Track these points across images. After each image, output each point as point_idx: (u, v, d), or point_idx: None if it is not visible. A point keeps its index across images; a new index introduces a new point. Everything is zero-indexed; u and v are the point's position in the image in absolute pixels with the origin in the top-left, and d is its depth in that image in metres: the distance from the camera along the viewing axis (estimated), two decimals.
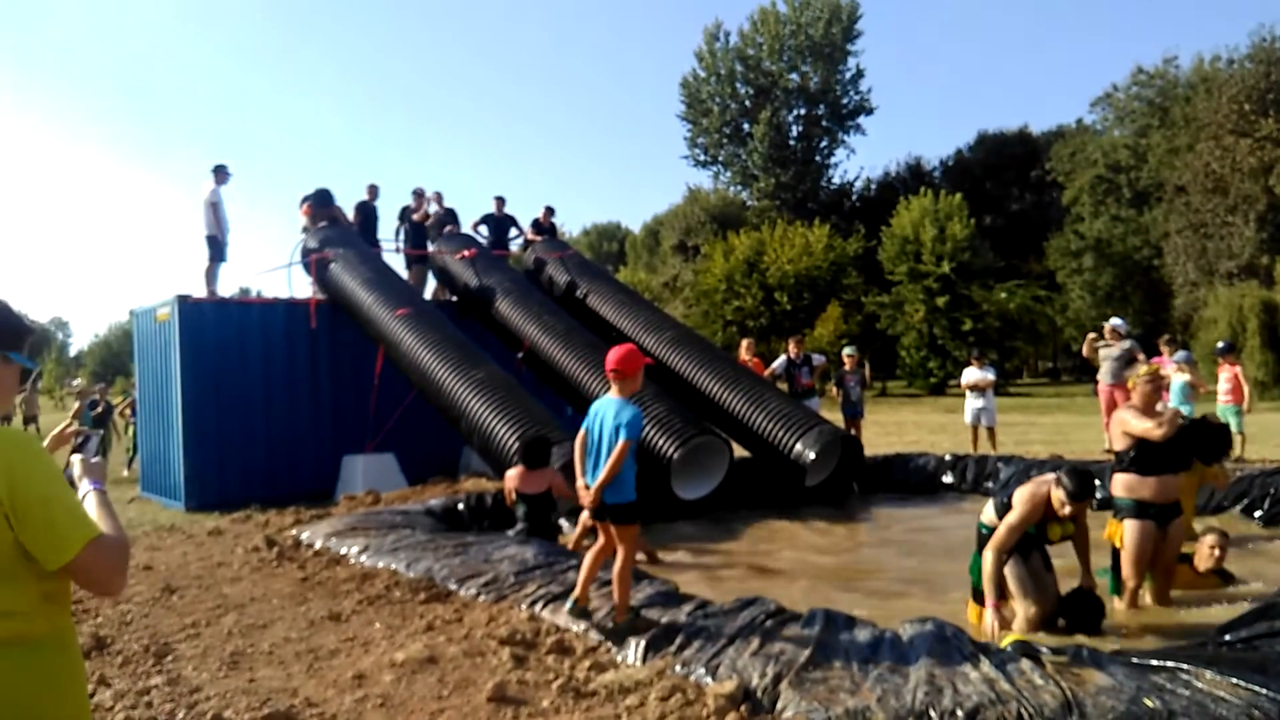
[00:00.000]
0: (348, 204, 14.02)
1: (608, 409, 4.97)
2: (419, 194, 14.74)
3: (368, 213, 14.26)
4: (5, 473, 1.72)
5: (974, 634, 4.76)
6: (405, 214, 14.67)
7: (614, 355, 5.04)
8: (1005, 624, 5.11)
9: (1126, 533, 5.67)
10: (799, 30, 47.17)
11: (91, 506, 1.96)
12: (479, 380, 9.92)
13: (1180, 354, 11.33)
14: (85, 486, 2.07)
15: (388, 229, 14.87)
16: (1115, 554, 5.74)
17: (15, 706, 1.71)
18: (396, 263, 14.34)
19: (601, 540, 5.08)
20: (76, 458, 2.19)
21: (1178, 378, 11.06)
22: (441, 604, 5.66)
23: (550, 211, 15.30)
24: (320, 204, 13.32)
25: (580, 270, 13.88)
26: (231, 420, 11.82)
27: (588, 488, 4.94)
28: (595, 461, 4.97)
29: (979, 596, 5.26)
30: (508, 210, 15.44)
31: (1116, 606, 5.72)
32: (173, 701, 4.32)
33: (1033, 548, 5.26)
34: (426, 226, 14.57)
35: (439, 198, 15.03)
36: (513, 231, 15.34)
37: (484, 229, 15.12)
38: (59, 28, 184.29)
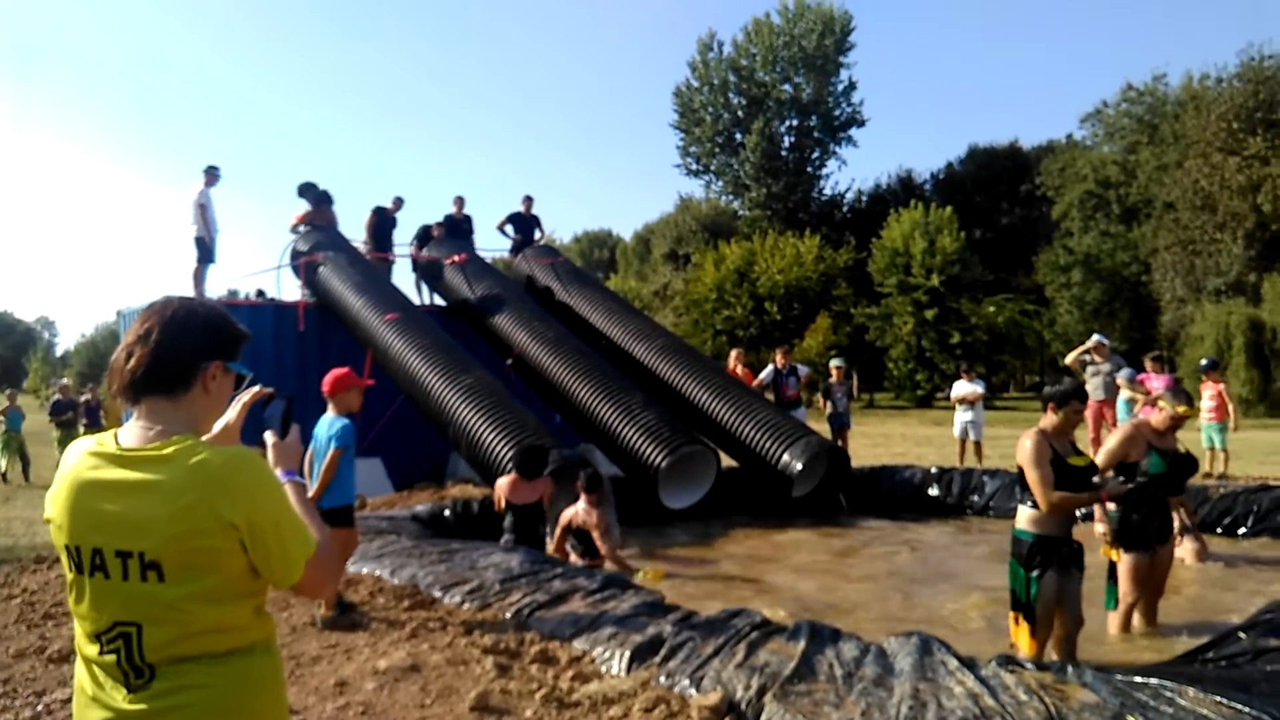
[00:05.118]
0: (354, 210, 14.12)
1: (322, 425, 5.60)
2: (460, 200, 14.90)
3: (385, 221, 14.35)
4: (245, 498, 1.70)
5: (1020, 652, 4.71)
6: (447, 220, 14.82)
7: (324, 380, 5.77)
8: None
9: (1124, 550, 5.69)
10: (792, 41, 47.37)
11: (295, 507, 1.87)
12: (468, 386, 9.89)
13: (1125, 371, 11.42)
14: (280, 478, 1.91)
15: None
16: (1112, 568, 5.77)
17: (238, 709, 1.78)
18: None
19: None
20: (269, 437, 2.02)
21: (1124, 393, 11.19)
22: (425, 611, 5.62)
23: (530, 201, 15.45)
24: (315, 201, 13.34)
25: (570, 277, 13.87)
26: None
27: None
28: (315, 473, 5.53)
29: (1020, 608, 4.93)
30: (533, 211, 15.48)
31: (1109, 623, 5.74)
32: None
33: (1074, 564, 4.97)
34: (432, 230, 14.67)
35: (461, 202, 15.09)
36: (536, 233, 15.35)
37: (510, 228, 15.13)
38: (53, 28, 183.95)
